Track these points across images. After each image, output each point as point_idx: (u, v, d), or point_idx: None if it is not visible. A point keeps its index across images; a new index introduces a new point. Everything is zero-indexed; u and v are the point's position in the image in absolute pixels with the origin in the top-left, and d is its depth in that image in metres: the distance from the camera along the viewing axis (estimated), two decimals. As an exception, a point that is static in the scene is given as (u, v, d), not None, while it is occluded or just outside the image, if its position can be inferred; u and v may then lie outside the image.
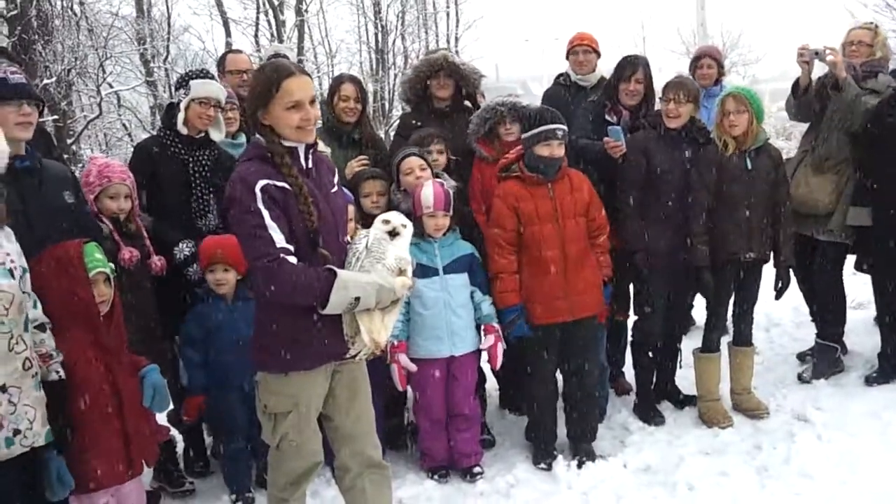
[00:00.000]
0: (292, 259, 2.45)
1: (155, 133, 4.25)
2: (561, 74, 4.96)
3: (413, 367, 3.59)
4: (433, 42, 17.91)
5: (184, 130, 3.68)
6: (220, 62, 4.95)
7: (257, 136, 2.60)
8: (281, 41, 16.64)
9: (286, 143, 2.54)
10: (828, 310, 4.61)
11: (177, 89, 3.82)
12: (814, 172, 4.39)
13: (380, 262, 2.59)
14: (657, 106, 4.19)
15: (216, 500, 3.66)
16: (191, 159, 3.70)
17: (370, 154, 4.13)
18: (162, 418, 3.59)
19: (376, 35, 17.59)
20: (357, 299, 2.49)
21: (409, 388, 3.77)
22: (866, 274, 4.49)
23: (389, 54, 17.62)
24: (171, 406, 3.42)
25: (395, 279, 2.58)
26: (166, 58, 16.38)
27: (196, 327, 3.52)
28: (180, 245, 3.57)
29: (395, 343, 3.56)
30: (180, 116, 3.66)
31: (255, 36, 17.89)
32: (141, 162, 3.72)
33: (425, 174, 3.73)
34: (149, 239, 3.46)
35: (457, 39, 18.58)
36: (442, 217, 3.60)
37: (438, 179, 3.72)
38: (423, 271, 3.53)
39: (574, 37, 4.91)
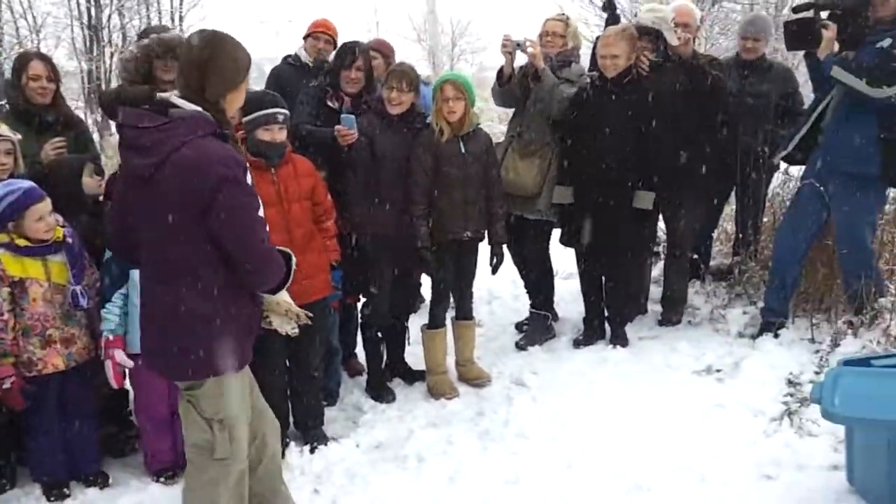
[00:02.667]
0: None
1: None
2: (289, 56, 4.91)
3: (130, 363, 3.37)
4: (155, 19, 16.81)
5: None
6: None
7: (200, 110, 2.35)
8: (-27, 12, 14.72)
9: None
10: (538, 281, 5.01)
11: None
12: (520, 157, 4.69)
13: None
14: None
15: None
16: None
17: (69, 136, 3.80)
18: None
19: (89, 9, 16.10)
20: None
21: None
22: (570, 247, 4.92)
23: (105, 31, 16.24)
24: None
25: None
26: None
27: None
28: None
29: (111, 338, 3.34)
30: None
31: (-61, 5, 15.62)
32: None
33: None
34: None
35: (181, 18, 17.61)
36: None
37: None
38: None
39: (319, 22, 4.90)
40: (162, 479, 3.52)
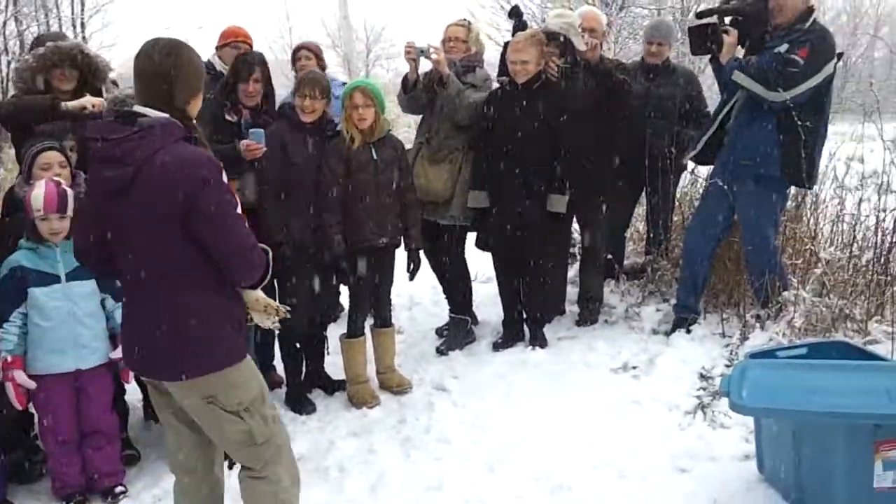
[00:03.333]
0: None
1: None
2: (205, 63, 4.78)
3: (31, 384, 3.26)
4: (55, 25, 16.16)
5: None
6: None
7: (167, 117, 2.34)
8: None
9: None
10: (455, 286, 5.03)
11: None
12: (429, 163, 4.68)
13: None
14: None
15: None
16: None
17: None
18: None
19: (-18, 16, 15.36)
20: None
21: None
22: (486, 251, 4.94)
23: (0, 38, 15.50)
24: None
25: None
26: None
27: None
28: None
29: (9, 359, 3.22)
30: None
31: None
32: None
33: (65, 172, 3.45)
34: None
35: (83, 24, 16.99)
36: (58, 220, 3.28)
37: (56, 178, 3.40)
38: (42, 279, 3.27)
39: (233, 30, 4.79)
40: (71, 505, 3.39)
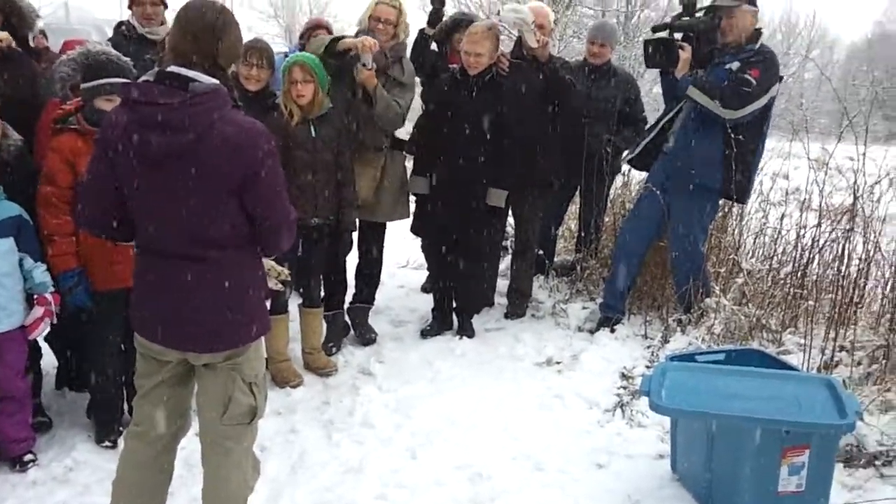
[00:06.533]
0: None
1: None
2: (122, 23, 4.58)
3: None
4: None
5: None
6: None
7: (217, 83, 2.27)
8: None
9: None
10: (374, 278, 4.94)
11: None
12: (357, 161, 4.43)
13: None
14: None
15: None
16: None
17: None
18: None
19: None
20: None
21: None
22: (419, 237, 4.94)
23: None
24: None
25: None
26: None
27: None
28: None
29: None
30: None
31: None
32: None
33: None
34: None
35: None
36: None
37: None
38: (-48, 239, 3.10)
39: None
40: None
